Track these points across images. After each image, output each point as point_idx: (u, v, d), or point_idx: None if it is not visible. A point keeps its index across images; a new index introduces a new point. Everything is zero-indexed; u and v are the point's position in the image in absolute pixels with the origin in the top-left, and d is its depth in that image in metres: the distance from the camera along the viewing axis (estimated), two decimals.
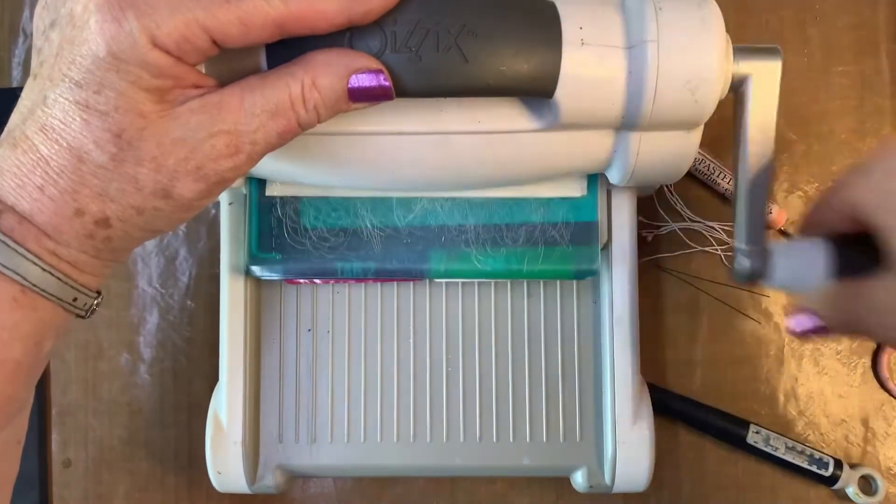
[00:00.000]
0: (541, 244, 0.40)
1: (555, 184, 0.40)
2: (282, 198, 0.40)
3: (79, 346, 0.50)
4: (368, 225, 0.40)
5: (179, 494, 0.49)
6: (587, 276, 0.41)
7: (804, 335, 0.35)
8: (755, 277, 0.34)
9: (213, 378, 0.43)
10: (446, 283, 0.43)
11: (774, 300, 0.49)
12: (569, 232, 0.40)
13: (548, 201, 0.40)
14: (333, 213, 0.40)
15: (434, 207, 0.40)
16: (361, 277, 0.41)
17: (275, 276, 0.41)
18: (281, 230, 0.40)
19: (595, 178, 0.40)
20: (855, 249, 0.32)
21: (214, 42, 0.26)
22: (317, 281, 0.42)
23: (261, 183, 0.40)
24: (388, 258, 0.40)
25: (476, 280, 0.42)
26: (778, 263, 0.34)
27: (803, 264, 0.33)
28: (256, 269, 0.40)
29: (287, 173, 0.38)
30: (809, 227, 0.34)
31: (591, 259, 0.40)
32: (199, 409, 0.49)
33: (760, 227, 0.35)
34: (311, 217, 0.40)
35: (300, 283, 0.42)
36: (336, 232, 0.40)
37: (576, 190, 0.40)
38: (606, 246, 0.41)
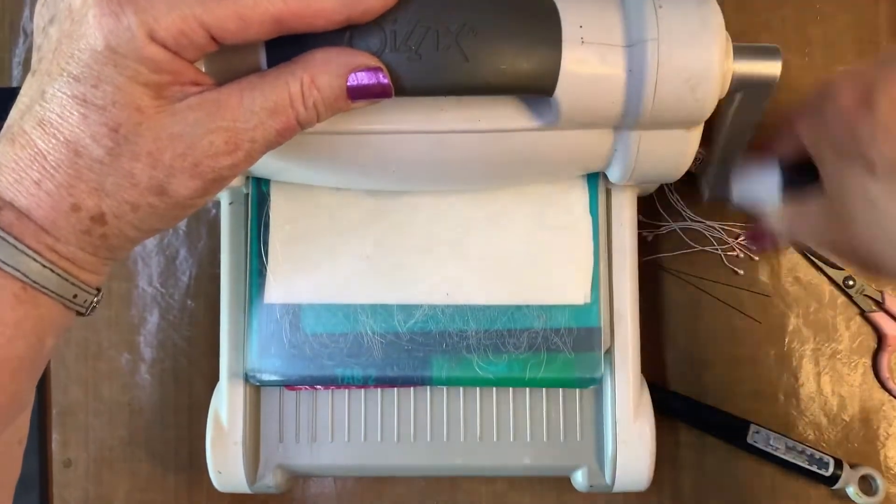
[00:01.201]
0: (543, 350, 0.39)
1: (557, 291, 0.39)
2: (282, 305, 0.39)
3: (79, 346, 0.50)
4: (369, 331, 0.39)
5: (179, 494, 0.49)
6: (590, 384, 0.41)
7: (760, 245, 0.44)
8: (720, 197, 0.42)
9: (214, 378, 0.42)
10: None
11: (775, 300, 0.49)
12: (571, 339, 0.39)
13: (550, 308, 0.39)
14: (333, 318, 0.39)
15: (435, 313, 0.39)
16: (362, 384, 0.40)
17: (275, 382, 0.40)
18: (281, 336, 0.39)
19: (597, 285, 0.40)
20: (801, 171, 0.36)
21: (212, 38, 0.26)
22: (318, 387, 0.42)
23: (261, 184, 0.40)
24: (389, 365, 0.39)
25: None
26: (738, 183, 0.40)
27: (759, 184, 0.39)
28: (256, 376, 0.40)
29: (287, 172, 0.38)
30: (764, 152, 0.39)
31: (593, 367, 0.39)
32: (200, 409, 0.48)
33: (729, 168, 0.41)
34: (311, 323, 0.39)
35: (301, 389, 0.42)
36: (336, 338, 0.39)
37: (579, 297, 0.40)
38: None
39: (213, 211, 0.50)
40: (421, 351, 0.39)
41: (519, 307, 0.39)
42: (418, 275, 0.40)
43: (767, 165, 0.38)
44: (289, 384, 0.41)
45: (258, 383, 0.41)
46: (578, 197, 0.40)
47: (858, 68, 0.33)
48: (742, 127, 0.38)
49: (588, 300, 0.39)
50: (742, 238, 0.43)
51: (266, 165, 0.36)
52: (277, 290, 0.39)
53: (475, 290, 0.39)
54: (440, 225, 0.40)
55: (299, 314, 0.39)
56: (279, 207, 0.40)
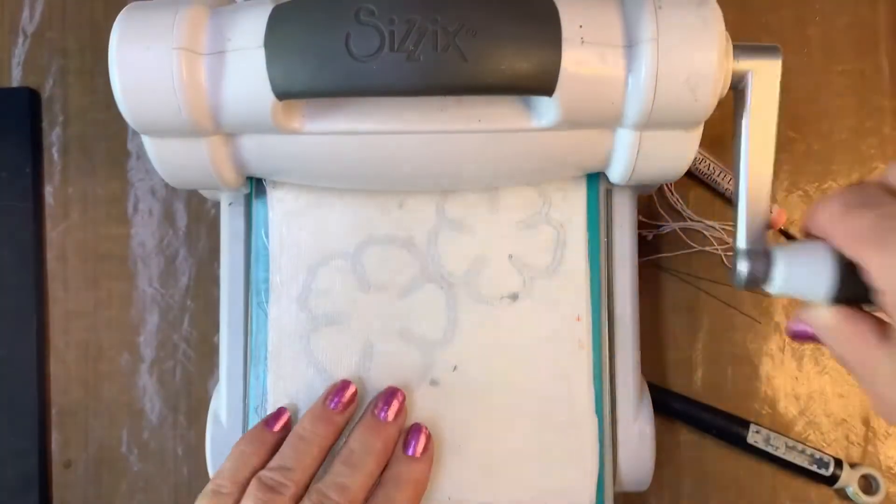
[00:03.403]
0: None
1: (562, 494, 0.38)
2: None
3: (79, 347, 0.50)
4: None
5: (179, 494, 0.49)
6: None
7: (800, 340, 0.32)
8: (755, 283, 0.32)
9: (214, 378, 0.42)
10: None
11: (775, 300, 0.49)
12: None
13: None
14: None
15: None
16: None
17: None
18: None
19: (602, 485, 0.38)
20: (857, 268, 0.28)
21: None
22: None
23: (260, 183, 0.40)
24: None
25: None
26: (780, 268, 0.31)
27: (808, 271, 0.30)
28: None
29: (287, 172, 0.38)
30: (812, 229, 0.30)
31: None
32: (200, 409, 0.49)
33: (762, 229, 0.33)
34: None
35: None
36: None
37: (584, 501, 0.38)
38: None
39: (213, 211, 0.50)
40: None
41: None
42: None
43: (818, 247, 0.30)
44: None
45: None
46: (582, 395, 0.39)
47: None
48: (759, 157, 0.33)
49: (594, 503, 0.38)
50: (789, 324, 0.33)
51: (266, 165, 0.36)
52: None
53: (478, 494, 0.38)
54: (441, 425, 0.39)
55: None
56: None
